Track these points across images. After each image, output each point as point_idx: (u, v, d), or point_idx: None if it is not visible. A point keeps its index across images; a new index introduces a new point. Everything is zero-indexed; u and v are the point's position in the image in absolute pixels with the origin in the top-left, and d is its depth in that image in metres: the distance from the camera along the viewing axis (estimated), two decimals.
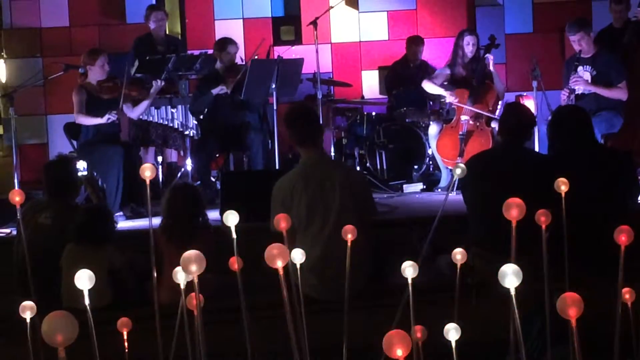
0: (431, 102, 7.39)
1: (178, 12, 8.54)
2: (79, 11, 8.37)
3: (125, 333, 2.69)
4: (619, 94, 6.41)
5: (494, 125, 6.64)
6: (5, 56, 8.33)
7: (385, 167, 7.34)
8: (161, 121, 7.03)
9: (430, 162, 7.30)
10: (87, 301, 2.21)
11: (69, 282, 3.91)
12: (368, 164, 7.35)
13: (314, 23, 6.97)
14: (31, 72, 7.97)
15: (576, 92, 6.45)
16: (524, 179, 4.16)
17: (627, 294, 2.64)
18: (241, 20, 8.54)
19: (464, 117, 6.77)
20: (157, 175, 6.61)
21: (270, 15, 8.57)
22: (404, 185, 7.10)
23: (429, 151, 7.20)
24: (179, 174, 7.27)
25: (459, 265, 2.75)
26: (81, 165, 6.26)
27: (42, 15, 8.36)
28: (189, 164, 7.01)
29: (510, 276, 1.90)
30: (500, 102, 6.89)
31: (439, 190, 6.89)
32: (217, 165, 7.39)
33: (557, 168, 3.78)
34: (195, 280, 2.24)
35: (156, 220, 4.43)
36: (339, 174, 4.36)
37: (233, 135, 6.86)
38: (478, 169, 4.40)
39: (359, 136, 7.54)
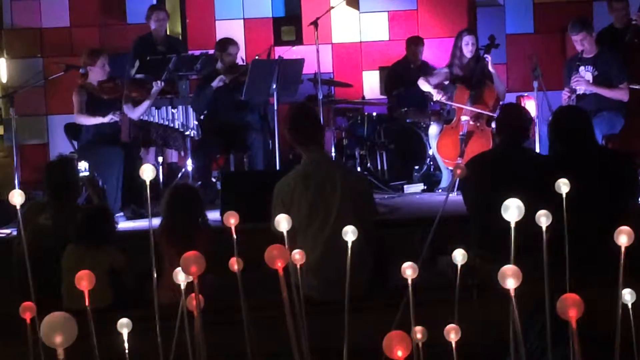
0: (432, 103, 7.38)
1: (179, 12, 8.54)
2: (79, 11, 8.37)
3: (125, 333, 2.69)
4: (620, 94, 6.41)
5: (495, 125, 6.63)
6: (6, 56, 8.33)
7: (385, 167, 7.34)
8: (162, 122, 7.02)
9: (431, 163, 7.30)
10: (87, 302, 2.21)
11: (69, 283, 3.91)
12: (369, 165, 7.35)
13: (315, 23, 6.97)
14: (32, 72, 7.98)
15: (577, 93, 6.45)
16: (524, 180, 4.15)
17: (627, 294, 2.63)
18: (242, 20, 8.54)
19: (464, 118, 6.77)
20: (157, 175, 6.62)
21: (271, 16, 8.58)
22: (405, 186, 7.11)
23: (430, 152, 7.20)
24: (179, 175, 7.27)
25: (459, 266, 2.74)
26: (82, 165, 6.25)
27: (43, 16, 8.36)
28: (189, 165, 7.01)
29: (510, 277, 1.90)
30: (501, 103, 6.89)
31: (440, 190, 6.89)
32: (217, 166, 7.38)
33: (557, 168, 3.77)
34: (195, 281, 2.23)
35: (156, 221, 4.43)
36: (339, 174, 4.35)
37: (234, 136, 6.86)
38: (478, 169, 4.39)
39: (359, 136, 7.54)
